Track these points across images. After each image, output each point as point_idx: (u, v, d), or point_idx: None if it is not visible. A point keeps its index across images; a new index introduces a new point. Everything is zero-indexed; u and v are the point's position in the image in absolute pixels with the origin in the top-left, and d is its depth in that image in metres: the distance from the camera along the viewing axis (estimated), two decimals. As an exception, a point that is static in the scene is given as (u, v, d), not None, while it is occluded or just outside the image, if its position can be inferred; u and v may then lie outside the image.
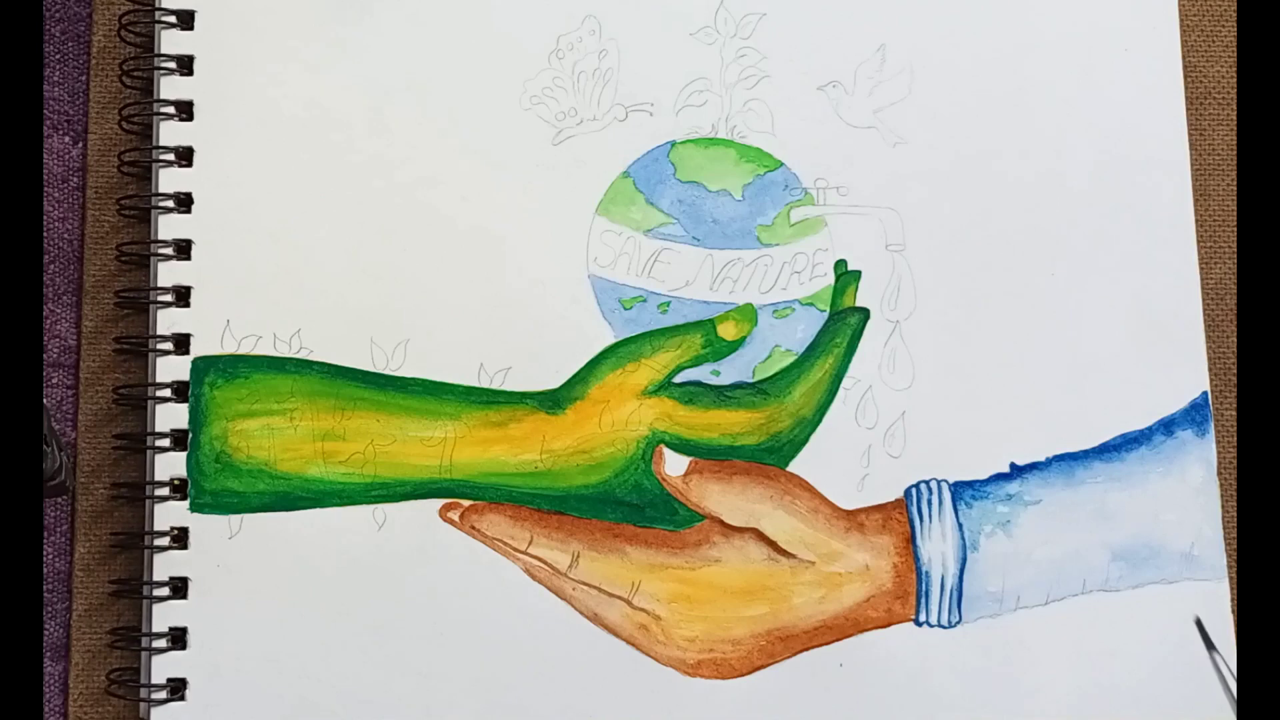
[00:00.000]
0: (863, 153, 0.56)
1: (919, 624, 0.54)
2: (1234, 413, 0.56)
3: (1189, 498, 0.55)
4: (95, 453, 0.54)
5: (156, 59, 0.55)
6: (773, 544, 0.54)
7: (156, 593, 0.52)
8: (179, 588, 0.52)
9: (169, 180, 0.54)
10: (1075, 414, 0.55)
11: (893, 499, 0.55)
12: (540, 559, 0.53)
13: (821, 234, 0.56)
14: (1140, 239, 0.56)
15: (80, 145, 0.56)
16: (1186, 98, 0.58)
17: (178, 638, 0.52)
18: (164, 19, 0.55)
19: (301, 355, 0.54)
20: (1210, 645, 0.53)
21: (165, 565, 0.52)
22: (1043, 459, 0.55)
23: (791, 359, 0.55)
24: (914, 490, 0.55)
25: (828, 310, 0.55)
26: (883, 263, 0.56)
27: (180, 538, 0.53)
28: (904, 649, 0.54)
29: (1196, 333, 0.56)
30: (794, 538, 0.54)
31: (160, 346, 0.53)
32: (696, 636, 0.53)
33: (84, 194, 0.56)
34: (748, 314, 0.55)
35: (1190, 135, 0.58)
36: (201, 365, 0.53)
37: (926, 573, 0.54)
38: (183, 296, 0.54)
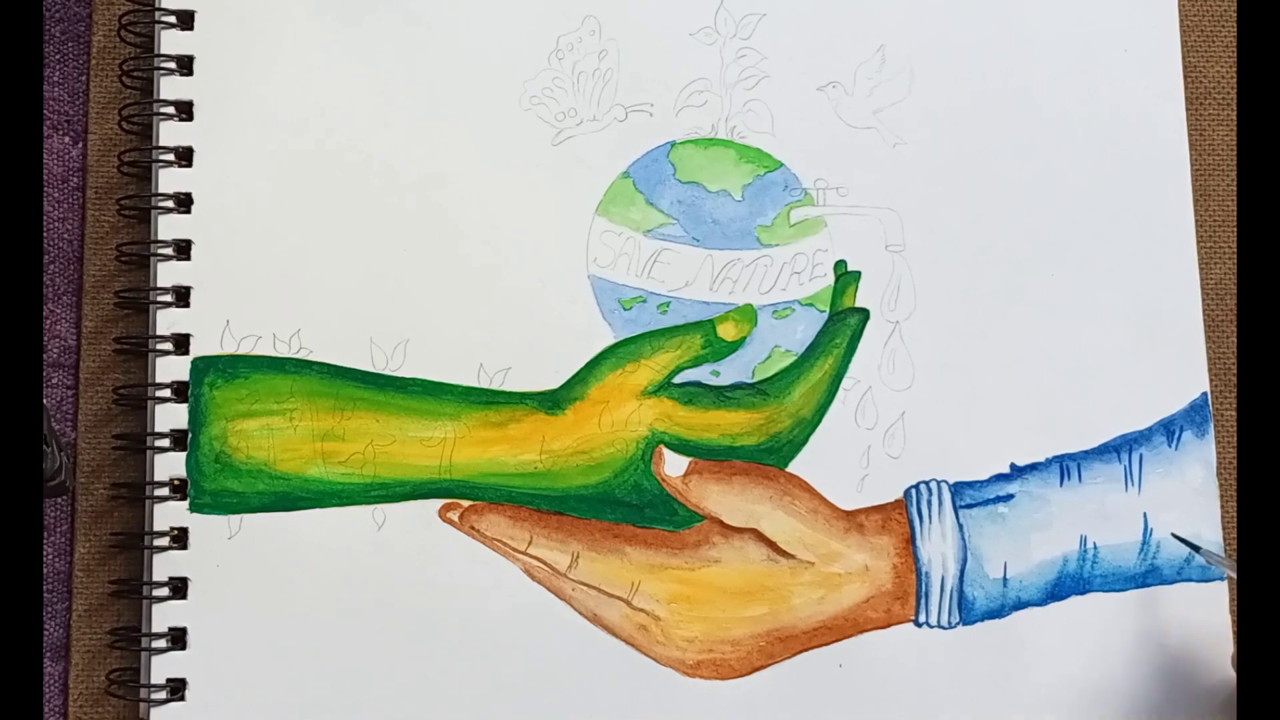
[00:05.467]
0: (862, 153, 0.56)
1: (919, 625, 0.54)
2: (1234, 413, 0.56)
3: (1189, 498, 0.55)
4: (95, 453, 0.54)
5: (156, 59, 0.55)
6: (772, 544, 0.54)
7: (156, 593, 0.52)
8: (179, 588, 0.52)
9: (169, 180, 0.54)
10: (1075, 414, 0.55)
11: (892, 499, 0.55)
12: (540, 559, 0.53)
13: (821, 234, 0.56)
14: (1140, 239, 0.56)
15: (80, 145, 0.56)
16: (1186, 98, 0.58)
17: (177, 638, 0.52)
18: (164, 19, 0.55)
19: (301, 355, 0.54)
20: (1194, 548, 0.53)
21: (165, 565, 0.52)
22: (1043, 459, 0.55)
23: (791, 359, 0.55)
24: (914, 491, 0.55)
25: (827, 311, 0.55)
26: (882, 263, 0.56)
27: (180, 538, 0.53)
28: (904, 650, 0.54)
29: (1196, 333, 0.56)
30: (793, 538, 0.54)
31: (160, 346, 0.53)
32: (696, 637, 0.53)
33: (84, 194, 0.56)
34: (747, 314, 0.55)
35: (1190, 135, 0.58)
36: (201, 365, 0.53)
37: (926, 573, 0.54)
38: (182, 296, 0.54)
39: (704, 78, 0.56)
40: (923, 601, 0.54)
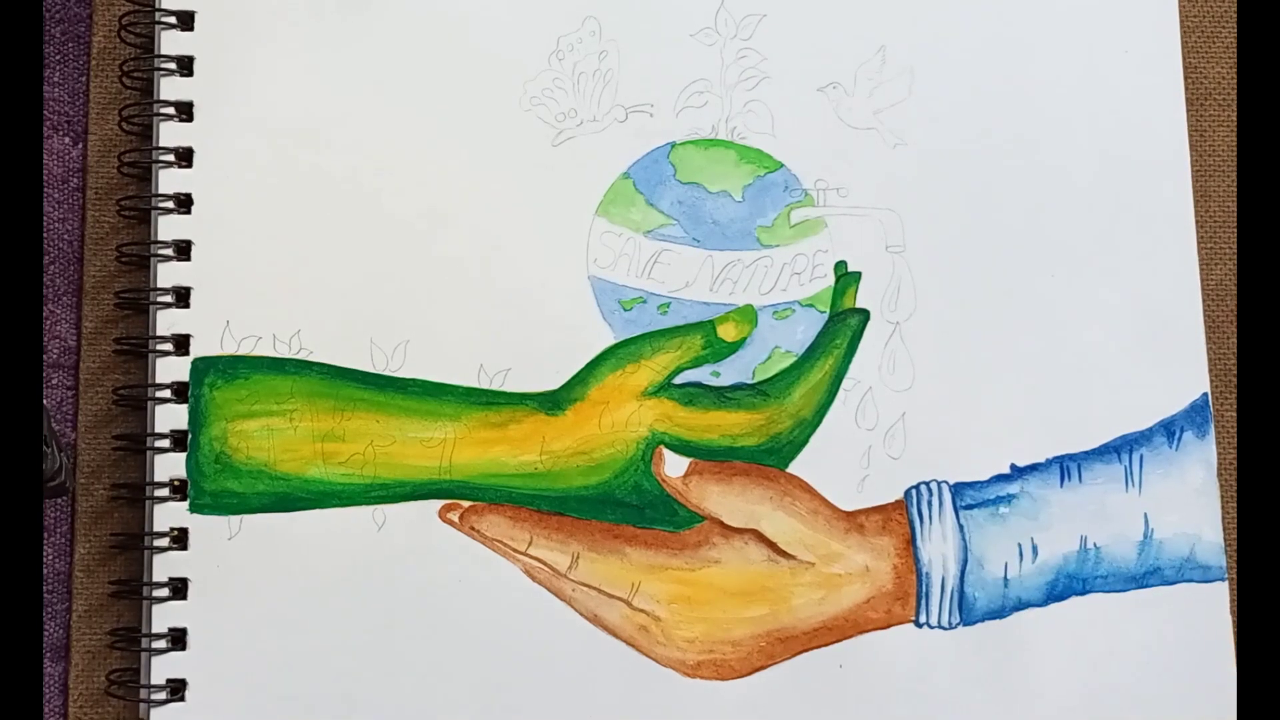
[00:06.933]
0: (863, 154, 0.56)
1: (919, 625, 0.54)
2: (1234, 413, 0.56)
3: (1189, 499, 0.55)
4: (95, 453, 0.54)
5: (156, 59, 0.55)
6: (772, 545, 0.54)
7: (156, 593, 0.52)
8: (179, 588, 0.52)
9: (169, 181, 0.54)
10: (1075, 414, 0.55)
11: (893, 500, 0.55)
12: (540, 560, 0.53)
13: (821, 235, 0.56)
14: (1140, 240, 0.56)
15: (80, 146, 0.56)
16: (1186, 98, 0.58)
17: (177, 638, 0.52)
18: (164, 19, 0.55)
19: (301, 356, 0.54)
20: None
21: (165, 566, 0.52)
22: (1043, 459, 0.55)
23: (791, 360, 0.55)
24: (914, 491, 0.55)
25: (827, 311, 0.55)
26: (883, 264, 0.56)
27: (180, 538, 0.53)
28: (904, 650, 0.54)
29: (1197, 333, 0.56)
30: (794, 539, 0.54)
31: (160, 347, 0.53)
32: (696, 637, 0.53)
33: (84, 194, 0.56)
34: (747, 315, 0.55)
35: (1190, 136, 0.58)
36: (201, 366, 0.53)
37: (927, 574, 0.54)
38: (182, 297, 0.54)
39: (704, 78, 0.56)
40: (923, 602, 0.54)
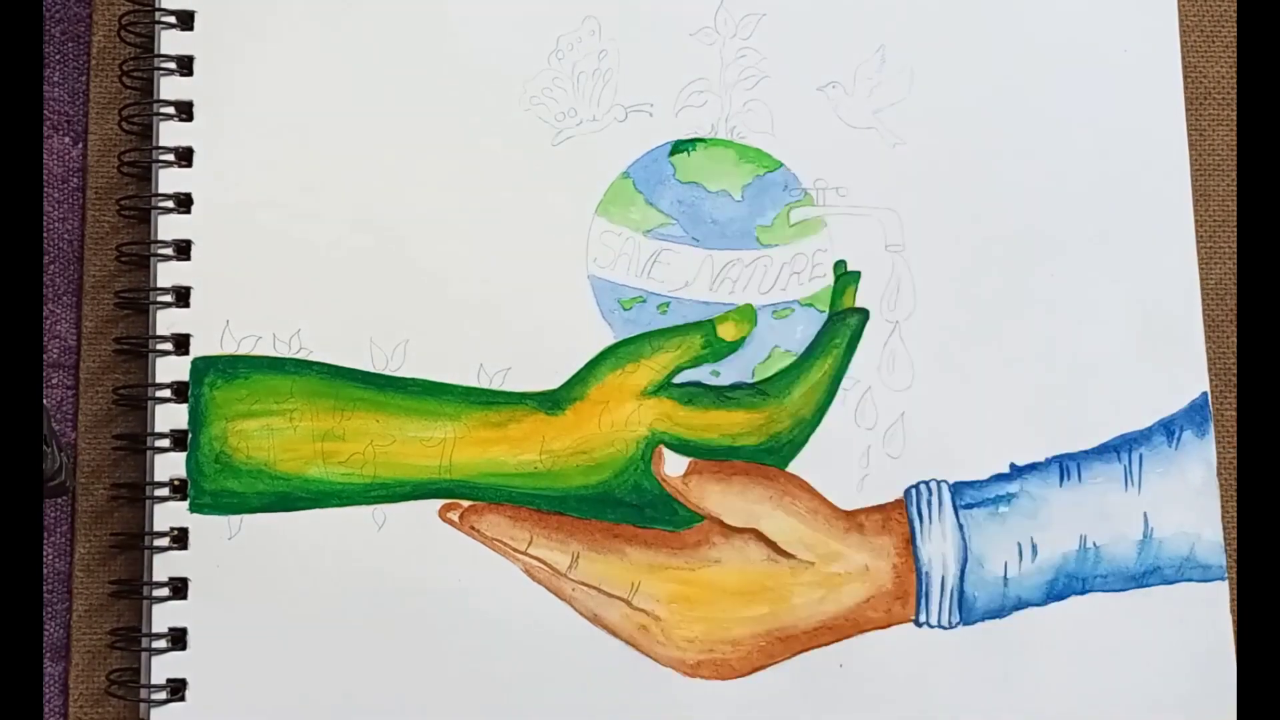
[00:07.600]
0: (862, 153, 0.56)
1: (919, 625, 0.54)
2: (1234, 413, 0.56)
3: (1189, 498, 0.55)
4: (95, 453, 0.54)
5: (156, 59, 0.55)
6: (772, 544, 0.54)
7: (156, 593, 0.52)
8: (179, 588, 0.52)
9: (169, 180, 0.54)
10: (1075, 414, 0.55)
11: (892, 499, 0.55)
12: (540, 559, 0.53)
13: (821, 234, 0.56)
14: (1140, 239, 0.56)
15: (80, 146, 0.56)
16: (1186, 98, 0.58)
17: (178, 638, 0.52)
18: (164, 19, 0.55)
19: (301, 355, 0.54)
20: None
21: (165, 566, 0.52)
22: (1042, 459, 0.55)
23: (791, 359, 0.55)
24: (913, 491, 0.55)
25: (827, 311, 0.55)
26: (882, 263, 0.56)
27: (180, 538, 0.53)
28: (904, 650, 0.54)
29: (1196, 333, 0.56)
30: (793, 538, 0.54)
31: (160, 347, 0.53)
32: (696, 637, 0.53)
33: (84, 194, 0.56)
34: (747, 314, 0.55)
35: (1190, 135, 0.58)
36: (201, 365, 0.53)
37: (926, 573, 0.54)
38: (182, 297, 0.54)
39: (704, 78, 0.56)
40: (923, 601, 0.54)
